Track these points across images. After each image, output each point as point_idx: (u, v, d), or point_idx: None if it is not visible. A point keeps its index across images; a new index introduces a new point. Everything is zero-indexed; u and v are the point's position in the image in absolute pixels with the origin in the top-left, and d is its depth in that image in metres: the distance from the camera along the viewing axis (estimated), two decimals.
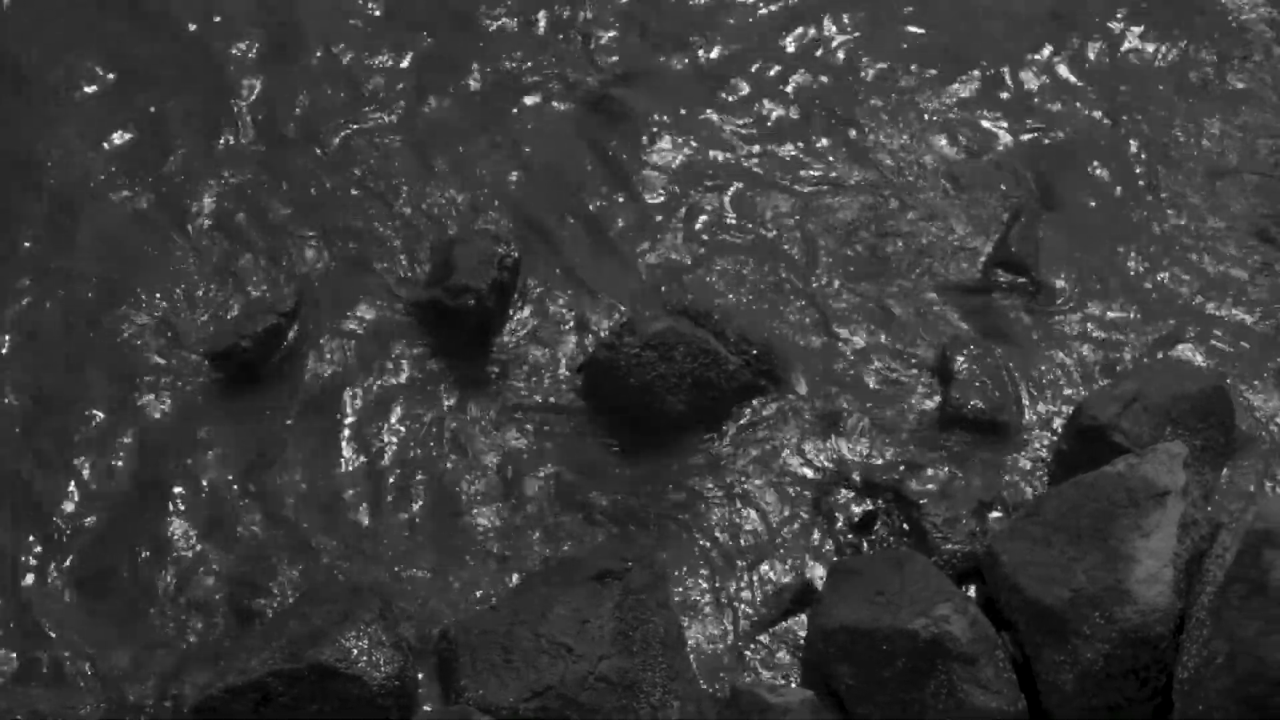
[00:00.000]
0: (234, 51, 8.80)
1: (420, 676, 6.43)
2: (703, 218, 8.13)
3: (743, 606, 6.77)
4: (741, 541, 6.97)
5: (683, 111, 8.59)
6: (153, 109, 8.52)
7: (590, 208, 8.15)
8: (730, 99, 8.69)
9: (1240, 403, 7.28)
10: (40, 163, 8.29)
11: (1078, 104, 8.71)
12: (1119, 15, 9.12)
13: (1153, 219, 8.18)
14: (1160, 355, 7.56)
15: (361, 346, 7.55)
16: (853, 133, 8.54)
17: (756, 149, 8.44)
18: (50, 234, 7.97)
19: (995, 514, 6.96)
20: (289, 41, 8.88)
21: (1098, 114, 8.66)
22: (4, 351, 7.48)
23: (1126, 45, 8.99)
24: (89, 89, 8.63)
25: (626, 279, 7.86)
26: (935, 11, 9.18)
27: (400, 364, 7.50)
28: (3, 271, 7.79)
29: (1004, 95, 8.75)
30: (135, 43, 8.84)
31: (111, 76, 8.68)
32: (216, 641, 6.57)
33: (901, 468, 7.10)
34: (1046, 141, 8.53)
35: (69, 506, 6.96)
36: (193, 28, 8.90)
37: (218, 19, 8.94)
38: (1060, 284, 7.85)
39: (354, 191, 8.18)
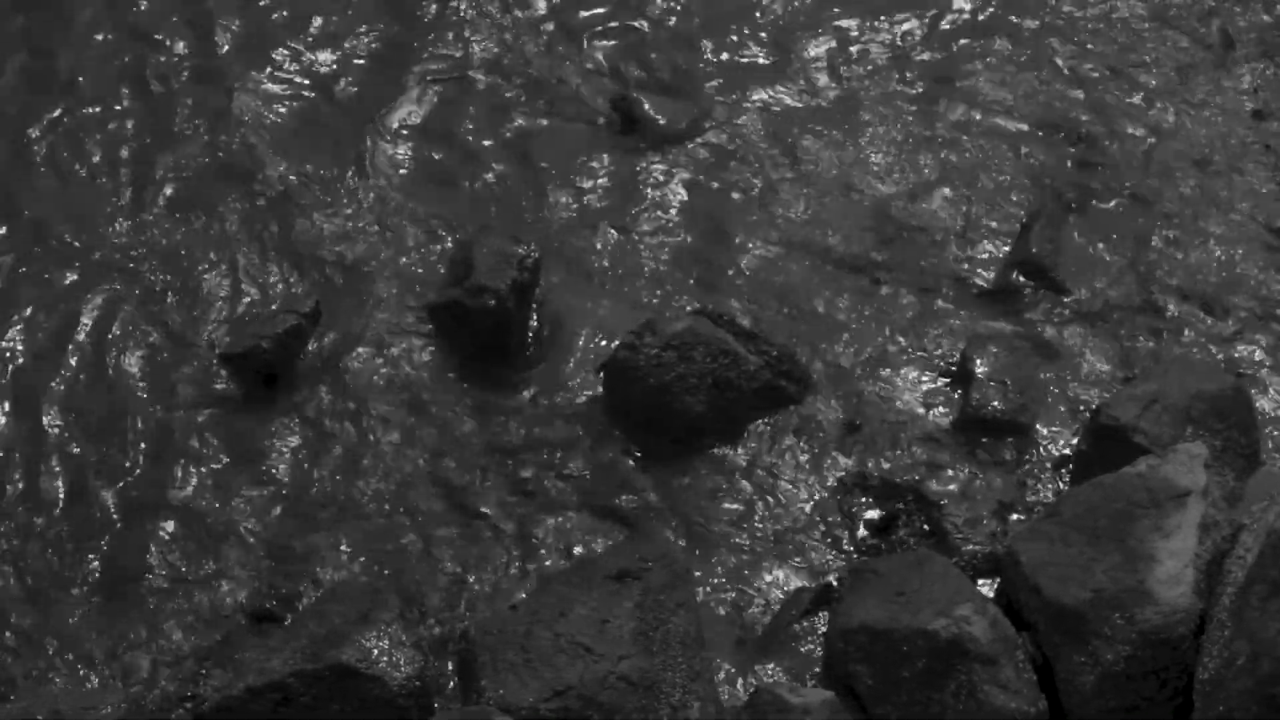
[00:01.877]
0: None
1: (440, 677, 6.44)
2: (720, 219, 8.14)
3: (762, 606, 6.77)
4: (761, 541, 6.97)
5: (699, 112, 8.60)
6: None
7: (610, 209, 8.16)
8: (745, 100, 8.70)
9: (1262, 403, 7.27)
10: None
11: (1103, 104, 8.71)
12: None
13: (1176, 217, 8.18)
14: (1180, 355, 7.55)
15: (378, 348, 7.56)
16: (872, 132, 8.55)
17: (772, 146, 8.45)
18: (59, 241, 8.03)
19: (1016, 515, 6.96)
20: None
21: (1121, 113, 8.67)
22: (19, 359, 7.50)
23: (1158, 43, 9.02)
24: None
25: (646, 279, 7.87)
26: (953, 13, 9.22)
27: (418, 365, 7.51)
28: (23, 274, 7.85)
29: (1026, 94, 8.75)
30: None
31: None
32: (236, 643, 6.58)
33: (922, 469, 7.10)
34: (1071, 140, 8.53)
35: (88, 510, 6.98)
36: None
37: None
38: (1080, 284, 7.84)
39: (369, 194, 8.21)
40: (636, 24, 9.06)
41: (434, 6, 9.11)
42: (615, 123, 8.54)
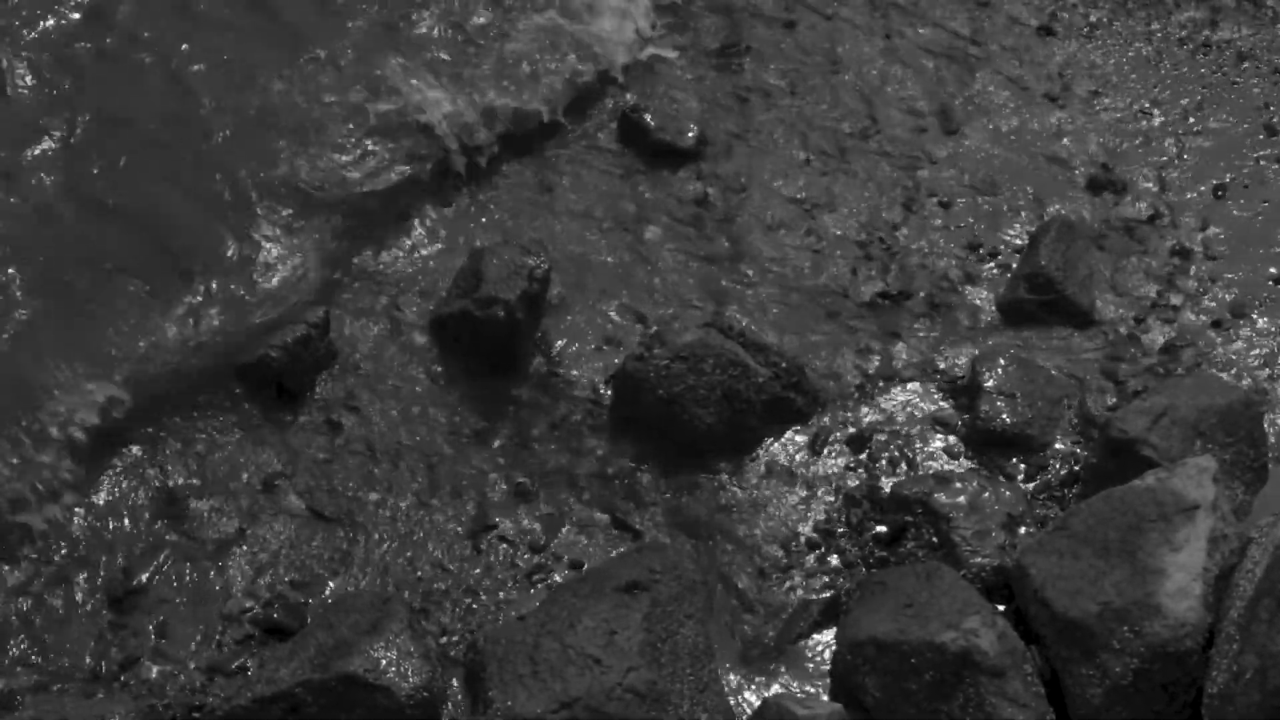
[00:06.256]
0: None
1: (448, 687, 6.45)
2: (729, 237, 8.15)
3: (771, 618, 6.77)
4: (770, 553, 6.97)
5: (711, 130, 8.61)
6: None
7: (618, 221, 8.18)
8: (757, 110, 8.72)
9: (1271, 417, 7.27)
10: None
11: (1117, 128, 8.75)
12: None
13: (1185, 235, 8.20)
14: (1190, 369, 7.56)
15: (387, 359, 7.56)
16: (881, 145, 8.56)
17: (780, 165, 8.47)
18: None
19: (1024, 528, 6.95)
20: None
21: (1142, 122, 8.71)
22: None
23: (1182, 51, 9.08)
24: None
25: (655, 292, 7.87)
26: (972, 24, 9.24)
27: (428, 376, 7.51)
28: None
29: (1041, 101, 8.79)
30: None
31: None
32: (245, 653, 6.58)
33: (930, 482, 7.09)
34: (1082, 155, 8.56)
35: (99, 520, 6.98)
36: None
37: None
38: (1090, 298, 7.84)
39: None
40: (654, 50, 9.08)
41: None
42: (622, 136, 8.56)
